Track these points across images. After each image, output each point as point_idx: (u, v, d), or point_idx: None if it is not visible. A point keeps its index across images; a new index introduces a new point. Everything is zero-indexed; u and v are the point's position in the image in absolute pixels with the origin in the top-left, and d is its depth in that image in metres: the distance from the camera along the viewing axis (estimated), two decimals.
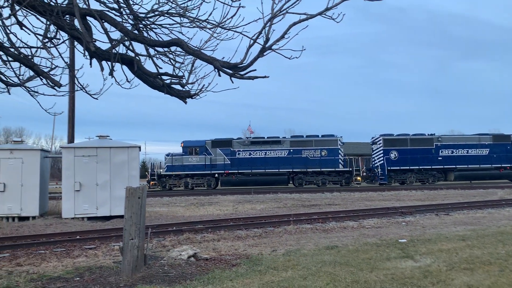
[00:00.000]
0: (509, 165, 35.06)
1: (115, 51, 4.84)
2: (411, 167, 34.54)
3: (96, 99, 5.57)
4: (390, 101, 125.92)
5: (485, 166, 34.95)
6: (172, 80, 5.49)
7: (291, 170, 34.28)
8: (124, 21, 4.92)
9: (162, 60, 5.76)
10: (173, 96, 5.61)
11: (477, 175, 35.19)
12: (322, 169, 34.11)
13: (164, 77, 5.40)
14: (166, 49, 5.32)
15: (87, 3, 4.24)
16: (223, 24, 4.75)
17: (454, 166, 34.73)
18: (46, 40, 4.50)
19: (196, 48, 4.93)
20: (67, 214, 14.49)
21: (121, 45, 5.17)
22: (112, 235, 10.55)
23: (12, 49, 4.72)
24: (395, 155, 34.25)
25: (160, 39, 5.25)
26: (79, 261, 7.80)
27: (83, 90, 5.31)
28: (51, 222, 14.02)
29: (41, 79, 5.12)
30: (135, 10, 4.90)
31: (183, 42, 4.71)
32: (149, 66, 5.59)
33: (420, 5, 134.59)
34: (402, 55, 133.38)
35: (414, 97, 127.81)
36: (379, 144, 35.05)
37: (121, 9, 4.89)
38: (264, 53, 4.68)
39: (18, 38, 4.76)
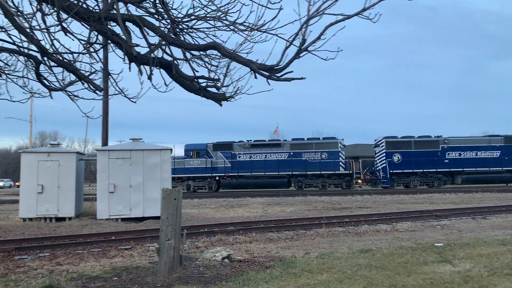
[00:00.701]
0: None
1: (154, 55, 4.94)
2: (414, 170, 33.78)
3: (135, 102, 5.70)
4: (420, 103, 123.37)
5: (495, 169, 33.65)
6: (208, 83, 5.56)
7: (291, 173, 34.36)
8: (162, 26, 5.02)
9: (197, 63, 5.85)
10: (208, 98, 5.67)
11: (486, 178, 33.88)
12: (321, 172, 34.02)
13: (200, 80, 5.47)
14: (202, 52, 5.39)
15: (128, 9, 4.36)
16: (259, 26, 4.77)
17: (461, 169, 33.72)
18: (88, 45, 4.64)
19: (232, 51, 4.98)
20: (101, 215, 14.86)
21: (158, 49, 5.28)
22: (146, 236, 10.75)
23: (56, 55, 4.89)
24: (398, 157, 33.66)
25: (196, 43, 5.33)
26: (116, 261, 7.97)
27: (122, 94, 5.45)
28: (87, 223, 14.40)
29: (83, 84, 5.29)
30: (173, 15, 4.99)
31: (220, 46, 4.76)
32: (184, 69, 5.69)
33: (452, 3, 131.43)
34: (432, 55, 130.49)
35: (444, 98, 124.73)
36: (382, 146, 34.50)
37: (159, 14, 4.99)
38: (300, 55, 4.68)
39: (61, 44, 4.93)
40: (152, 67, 4.97)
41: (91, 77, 5.63)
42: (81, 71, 5.35)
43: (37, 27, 4.11)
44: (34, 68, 5.35)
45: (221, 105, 5.75)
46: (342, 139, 35.42)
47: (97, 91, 5.27)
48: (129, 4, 4.52)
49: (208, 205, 21.35)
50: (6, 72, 5.60)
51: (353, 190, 32.74)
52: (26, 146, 66.86)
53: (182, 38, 5.32)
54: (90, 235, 11.28)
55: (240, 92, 5.62)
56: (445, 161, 33.68)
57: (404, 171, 33.69)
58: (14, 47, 5.08)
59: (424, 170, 33.69)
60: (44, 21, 4.55)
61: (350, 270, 6.60)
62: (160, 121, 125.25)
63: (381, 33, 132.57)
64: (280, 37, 4.80)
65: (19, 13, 3.99)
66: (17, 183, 61.49)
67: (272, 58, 5.06)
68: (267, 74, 4.75)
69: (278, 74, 4.75)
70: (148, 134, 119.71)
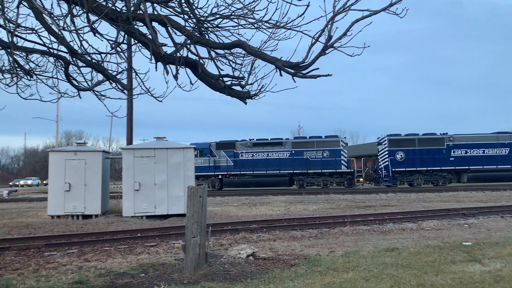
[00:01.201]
0: None
1: (179, 55, 4.99)
2: (418, 169, 33.03)
3: (161, 101, 5.77)
4: (446, 99, 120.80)
5: (503, 167, 32.66)
6: (233, 81, 5.58)
7: (292, 171, 34.36)
8: (187, 25, 5.06)
9: (221, 62, 5.87)
10: (233, 97, 5.69)
11: (493, 176, 32.92)
12: (323, 171, 33.85)
13: (225, 79, 5.49)
14: (227, 51, 5.41)
15: (155, 8, 4.41)
16: (284, 24, 4.76)
17: (467, 167, 32.85)
18: (116, 45, 4.73)
19: (257, 49, 4.98)
20: (127, 213, 15.12)
21: (184, 48, 5.32)
22: (171, 233, 10.88)
23: (84, 56, 5.00)
24: (401, 156, 33.01)
25: (221, 41, 5.35)
26: (142, 258, 8.10)
27: (149, 93, 5.52)
28: (113, 220, 14.67)
29: (110, 83, 5.38)
30: (198, 14, 5.02)
31: (245, 44, 4.77)
32: (209, 68, 5.72)
33: None
34: (458, 51, 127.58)
35: (471, 94, 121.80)
36: (384, 144, 33.78)
37: (185, 14, 5.03)
38: (326, 51, 4.64)
39: (89, 45, 5.03)
40: (178, 66, 5.02)
41: (118, 76, 5.74)
42: (109, 71, 5.44)
43: (67, 29, 4.20)
44: (63, 69, 5.48)
45: (245, 103, 5.76)
46: (344, 137, 35.39)
47: (124, 91, 5.36)
48: (155, 4, 4.58)
49: (230, 203, 21.46)
50: (37, 73, 5.74)
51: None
52: (53, 145, 68.54)
53: (207, 37, 5.35)
54: (117, 232, 11.49)
55: (265, 90, 5.62)
56: (450, 159, 32.96)
57: (407, 169, 33.10)
58: (45, 48, 5.22)
59: (428, 168, 33.02)
60: (74, 23, 4.66)
61: (376, 269, 6.53)
62: (183, 120, 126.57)
63: (405, 28, 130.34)
64: (305, 34, 4.78)
65: (50, 15, 4.09)
66: (44, 181, 63.24)
67: (297, 55, 5.05)
68: (292, 71, 4.74)
69: (304, 71, 4.73)
70: (171, 133, 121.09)
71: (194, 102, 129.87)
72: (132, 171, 15.25)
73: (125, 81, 5.93)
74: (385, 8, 4.53)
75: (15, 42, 4.87)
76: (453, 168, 33.00)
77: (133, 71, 5.74)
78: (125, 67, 6.07)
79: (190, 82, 5.29)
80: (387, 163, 33.12)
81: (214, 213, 16.62)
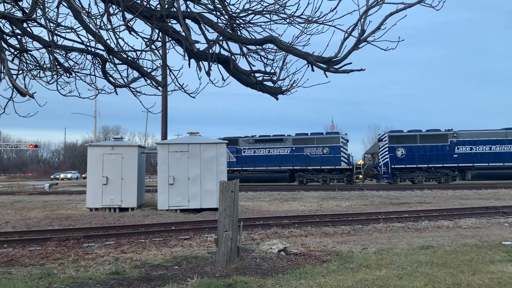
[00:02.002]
0: None
1: (212, 51, 5.04)
2: (418, 165, 32.35)
3: (194, 97, 5.85)
4: (486, 92, 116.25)
5: (510, 165, 31.23)
6: (264, 77, 5.58)
7: (292, 167, 34.54)
8: (219, 21, 5.11)
9: (253, 57, 5.89)
10: (265, 92, 5.70)
11: (501, 174, 31.53)
12: (322, 167, 33.90)
13: (256, 74, 5.51)
14: (258, 46, 5.42)
15: (188, 6, 4.48)
16: (316, 18, 4.72)
17: (472, 164, 31.81)
18: (151, 43, 4.83)
19: (288, 44, 4.96)
20: (162, 206, 15.48)
21: (216, 45, 5.38)
22: (204, 227, 11.06)
23: (121, 53, 5.14)
24: (402, 152, 32.50)
25: (253, 37, 5.36)
26: (176, 250, 8.28)
27: (182, 89, 5.61)
28: (148, 213, 15.05)
29: (145, 80, 5.51)
30: (230, 10, 5.06)
31: (277, 39, 4.76)
32: (241, 64, 5.75)
33: None
34: (498, 42, 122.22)
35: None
36: (385, 141, 33.25)
37: (217, 10, 5.08)
38: (359, 46, 4.57)
39: (125, 43, 5.17)
40: (211, 63, 5.08)
41: (152, 73, 5.86)
42: (144, 68, 5.57)
43: (104, 27, 4.33)
44: (100, 66, 5.64)
45: (277, 98, 5.76)
46: (346, 134, 35.29)
47: (159, 87, 5.48)
48: (188, 1, 4.64)
49: (262, 198, 21.54)
50: (75, 70, 5.94)
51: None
52: (91, 140, 70.84)
53: (239, 33, 5.38)
54: (152, 225, 11.78)
55: (296, 85, 5.59)
56: (454, 155, 32.05)
57: (407, 166, 32.54)
58: (83, 46, 5.39)
59: (429, 165, 32.28)
60: (110, 21, 4.79)
61: (410, 267, 6.42)
62: (216, 115, 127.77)
63: (442, 21, 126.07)
64: (338, 29, 4.73)
65: (88, 14, 4.23)
66: (83, 175, 65.47)
67: (329, 49, 5.01)
68: (324, 66, 4.70)
69: (336, 66, 4.67)
70: (204, 128, 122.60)
71: (227, 97, 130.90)
72: (167, 165, 15.58)
73: (159, 78, 6.04)
74: (421, 0, 4.42)
75: (55, 41, 5.06)
76: (456, 165, 32.17)
77: (167, 68, 5.85)
78: (159, 64, 6.19)
79: (222, 78, 5.34)
80: (387, 159, 32.80)
81: (246, 208, 16.74)
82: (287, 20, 5.23)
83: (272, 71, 5.74)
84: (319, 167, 34.14)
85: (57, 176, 65.64)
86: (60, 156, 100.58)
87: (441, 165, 32.23)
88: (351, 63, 4.62)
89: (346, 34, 4.48)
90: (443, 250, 7.78)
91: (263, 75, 5.65)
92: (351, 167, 34.39)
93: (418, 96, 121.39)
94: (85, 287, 5.61)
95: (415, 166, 32.49)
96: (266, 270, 6.41)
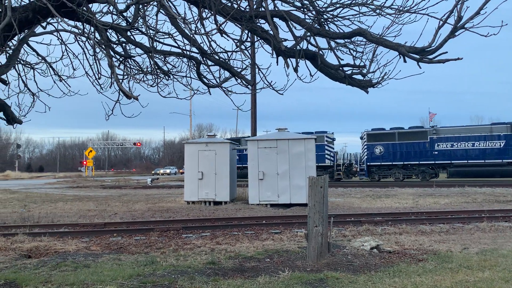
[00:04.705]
0: None
1: (299, 48, 5.09)
2: (394, 163, 32.70)
3: (282, 94, 5.96)
4: None
5: (493, 162, 29.95)
6: (354, 71, 5.50)
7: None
8: (307, 18, 5.14)
9: (341, 51, 5.82)
10: (354, 86, 5.62)
11: (481, 172, 30.37)
12: None
13: (345, 68, 5.45)
14: (347, 40, 5.36)
15: (275, 5, 4.58)
16: (408, 7, 4.54)
17: (449, 162, 31.26)
18: (240, 43, 5.03)
19: (378, 36, 4.84)
20: (252, 201, 15.93)
21: (303, 41, 5.41)
22: (294, 222, 11.17)
23: (213, 55, 5.42)
24: (380, 150, 33.01)
25: (341, 31, 5.31)
26: (267, 243, 8.49)
27: (270, 87, 5.75)
28: (240, 207, 15.59)
29: (236, 79, 5.75)
30: (318, 6, 5.06)
31: (366, 31, 4.67)
32: (328, 58, 5.73)
33: None
34: None
35: None
36: (364, 139, 33.92)
37: (304, 7, 5.11)
38: (456, 33, 4.31)
39: (217, 45, 5.44)
40: (298, 59, 5.13)
41: (242, 73, 6.08)
42: (234, 68, 5.81)
43: (198, 32, 4.61)
44: (195, 68, 6.00)
45: (367, 92, 5.64)
46: (332, 133, 35.71)
47: (248, 86, 5.67)
48: (276, 1, 4.75)
49: (353, 195, 21.10)
50: (173, 73, 6.38)
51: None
52: (187, 137, 74.96)
53: (326, 28, 5.36)
54: (244, 219, 12.20)
55: (388, 78, 5.43)
56: (434, 152, 31.61)
57: (382, 163, 32.92)
58: (179, 50, 5.77)
59: (406, 163, 32.42)
60: (203, 25, 5.08)
61: None
62: (303, 110, 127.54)
63: None
64: (432, 17, 4.49)
65: (183, 20, 4.53)
66: (180, 170, 69.54)
67: (422, 39, 4.77)
68: (417, 57, 4.50)
69: (430, 56, 4.45)
70: (292, 124, 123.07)
71: (314, 92, 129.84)
72: (256, 161, 15.99)
73: (249, 77, 6.25)
74: None
75: (155, 47, 5.49)
76: (433, 162, 31.83)
77: (256, 66, 6.03)
78: (249, 63, 6.40)
79: (310, 73, 5.37)
80: (366, 157, 33.48)
81: (336, 204, 16.54)
82: (377, 11, 5.10)
83: (362, 64, 5.63)
84: None
85: (157, 172, 70.34)
86: (160, 153, 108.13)
87: (418, 162, 32.24)
88: (446, 52, 4.37)
89: (441, 22, 4.25)
90: None
91: (352, 68, 5.57)
92: (332, 164, 35.49)
93: None
94: (184, 275, 6.02)
95: (391, 163, 33.01)
96: (358, 267, 6.31)
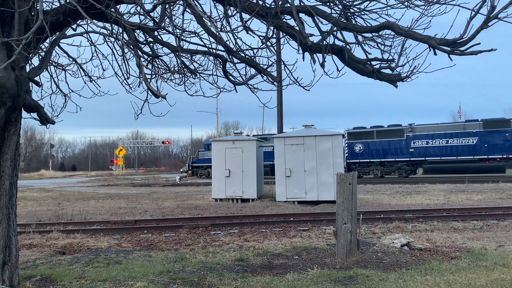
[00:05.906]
0: (500, 156, 29.35)
1: (326, 43, 5.03)
2: (372, 160, 33.63)
3: (308, 90, 5.91)
4: None
5: (466, 158, 30.49)
6: (382, 65, 5.39)
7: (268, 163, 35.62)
8: (333, 12, 5.07)
9: (369, 45, 5.72)
10: (382, 80, 5.51)
11: (453, 168, 31.16)
12: None
13: (373, 62, 5.35)
14: (374, 33, 5.26)
15: (301, 0, 4.54)
16: None
17: (423, 159, 32.05)
18: (266, 40, 5.02)
19: (407, 29, 4.72)
20: (280, 198, 15.91)
21: (330, 35, 5.35)
22: (322, 219, 11.09)
23: (239, 53, 5.43)
24: (359, 148, 34.03)
25: (368, 25, 5.21)
26: (295, 241, 8.47)
27: (297, 83, 5.71)
28: (267, 204, 15.60)
29: (262, 76, 5.73)
30: (344, 0, 4.99)
31: (395, 24, 4.56)
32: (356, 53, 5.63)
33: None
34: None
35: None
36: (345, 138, 33.93)
37: (330, 1, 5.05)
38: (489, 24, 4.16)
39: (243, 42, 5.44)
40: (325, 54, 5.08)
41: (268, 69, 6.07)
42: (260, 65, 5.80)
43: (224, 30, 4.62)
44: (221, 66, 6.03)
45: (396, 86, 5.53)
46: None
47: (274, 82, 5.66)
48: None
49: (382, 191, 20.76)
50: (200, 71, 6.43)
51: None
52: (214, 135, 75.53)
53: (353, 22, 5.28)
54: (271, 216, 12.20)
55: (417, 71, 5.30)
56: (410, 150, 32.53)
57: (361, 160, 33.89)
58: (205, 49, 5.81)
59: (382, 160, 33.28)
60: (229, 23, 5.09)
61: None
62: (330, 106, 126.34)
63: None
64: (463, 7, 4.36)
65: (209, 18, 4.56)
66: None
67: (453, 30, 4.64)
68: (448, 49, 4.37)
69: (462, 48, 4.32)
70: (318, 120, 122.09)
71: (341, 87, 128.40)
72: (283, 158, 15.95)
73: (275, 73, 6.23)
74: None
75: (181, 46, 5.54)
76: (409, 159, 32.57)
77: (282, 63, 6.00)
78: (274, 60, 6.38)
79: (337, 68, 5.31)
80: (346, 154, 33.97)
81: (365, 201, 16.32)
82: (405, 3, 4.98)
83: (390, 57, 5.52)
84: None
85: (186, 170, 71.07)
86: (188, 151, 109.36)
87: (394, 159, 33.10)
88: (479, 43, 4.23)
89: (473, 13, 4.11)
90: None
91: (380, 62, 5.47)
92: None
93: None
94: (213, 272, 6.07)
95: (369, 160, 33.83)
96: (388, 265, 6.21)
